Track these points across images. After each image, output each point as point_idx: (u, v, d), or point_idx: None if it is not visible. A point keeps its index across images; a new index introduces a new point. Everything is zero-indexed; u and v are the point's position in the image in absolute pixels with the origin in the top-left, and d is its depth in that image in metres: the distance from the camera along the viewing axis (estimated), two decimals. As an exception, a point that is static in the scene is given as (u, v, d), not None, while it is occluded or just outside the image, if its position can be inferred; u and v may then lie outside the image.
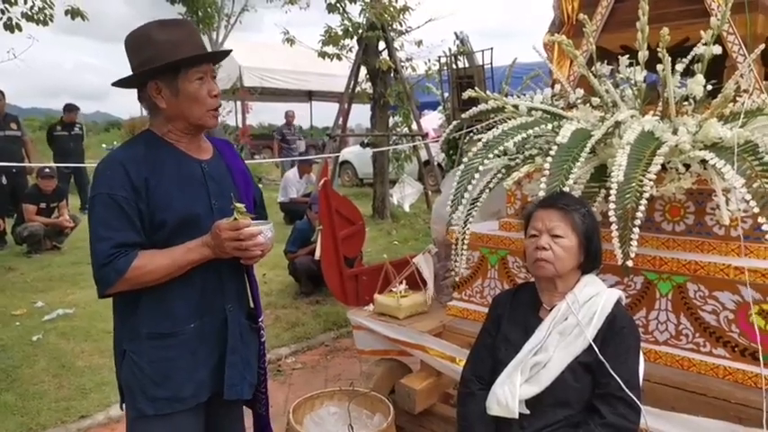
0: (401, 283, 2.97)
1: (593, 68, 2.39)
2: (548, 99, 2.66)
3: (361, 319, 2.91)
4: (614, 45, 2.71)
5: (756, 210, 1.68)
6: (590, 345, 1.64)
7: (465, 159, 2.24)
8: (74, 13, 6.24)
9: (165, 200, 1.59)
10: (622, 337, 1.67)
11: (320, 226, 3.69)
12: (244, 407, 1.98)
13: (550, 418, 1.69)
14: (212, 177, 1.71)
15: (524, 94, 3.49)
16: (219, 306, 1.72)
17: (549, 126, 2.18)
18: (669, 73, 2.08)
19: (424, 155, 8.93)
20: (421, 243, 6.61)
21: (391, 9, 7.99)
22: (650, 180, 1.80)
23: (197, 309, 1.67)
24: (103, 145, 15.36)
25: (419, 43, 8.72)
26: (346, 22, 8.19)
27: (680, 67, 2.14)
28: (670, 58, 2.07)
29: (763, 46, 2.13)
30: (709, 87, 2.11)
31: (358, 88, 8.49)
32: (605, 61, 2.51)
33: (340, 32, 8.21)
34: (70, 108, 8.91)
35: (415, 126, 8.67)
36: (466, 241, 2.33)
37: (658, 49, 2.06)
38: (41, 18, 6.03)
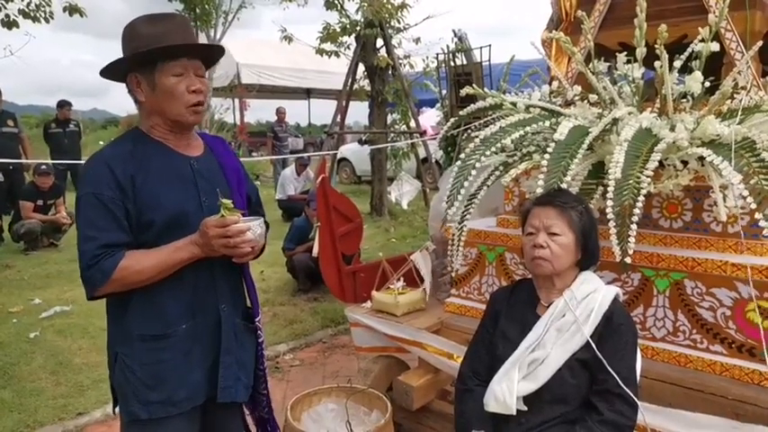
0: (399, 280, 2.97)
1: (590, 65, 2.38)
2: (545, 96, 2.66)
3: (358, 316, 2.91)
4: (612, 42, 2.71)
5: (754, 206, 1.68)
6: (587, 341, 1.65)
7: (462, 156, 2.24)
8: (72, 9, 6.22)
9: (153, 198, 1.56)
10: (620, 333, 1.67)
11: (318, 223, 3.69)
12: (245, 409, 1.95)
13: (548, 414, 1.69)
14: (202, 174, 1.66)
15: (522, 92, 3.49)
16: (213, 306, 1.68)
17: (547, 123, 2.18)
18: (667, 70, 2.08)
19: (422, 152, 8.93)
20: (419, 240, 6.61)
21: (389, 6, 7.98)
22: (648, 177, 1.80)
23: (189, 309, 1.63)
24: (101, 142, 15.31)
25: (417, 40, 8.72)
26: (344, 19, 8.18)
27: (678, 64, 2.14)
28: (668, 55, 2.07)
29: (760, 43, 2.13)
30: (707, 84, 2.11)
31: (356, 85, 8.48)
32: (603, 58, 2.51)
33: (338, 29, 8.20)
34: (62, 104, 8.87)
35: (413, 123, 8.67)
36: (462, 238, 2.33)
37: (656, 46, 2.06)
38: (39, 15, 6.00)
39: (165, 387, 1.60)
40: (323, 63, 9.74)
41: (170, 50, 1.55)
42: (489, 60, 6.59)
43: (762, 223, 1.67)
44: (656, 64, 2.11)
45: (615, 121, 2.09)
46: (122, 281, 1.52)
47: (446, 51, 7.00)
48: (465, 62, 6.87)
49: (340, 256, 3.71)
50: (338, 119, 8.47)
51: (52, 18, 6.12)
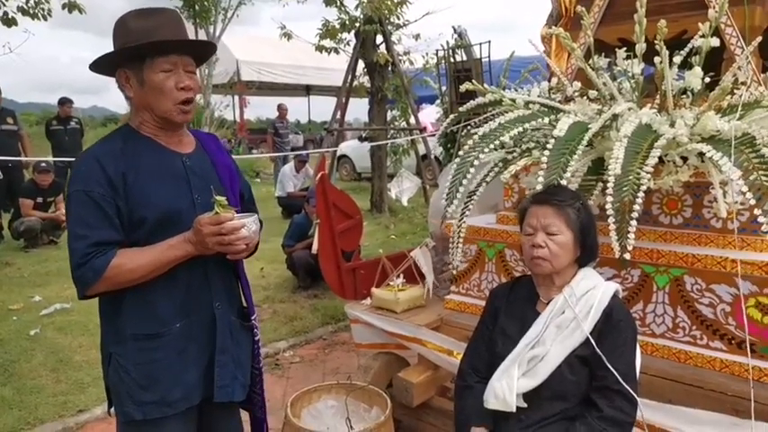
0: (398, 276, 2.97)
1: (590, 61, 2.38)
2: (545, 92, 2.65)
3: (358, 313, 2.91)
4: (612, 38, 2.70)
5: (753, 202, 1.68)
6: (587, 338, 1.65)
7: (461, 153, 2.24)
8: (71, 6, 6.20)
9: (145, 196, 1.54)
10: (619, 330, 1.67)
11: (318, 220, 3.69)
12: (240, 409, 1.92)
13: (547, 410, 1.69)
14: (194, 172, 1.65)
15: (522, 88, 3.48)
16: (207, 304, 1.66)
17: (547, 119, 2.17)
18: (667, 66, 2.08)
19: (422, 149, 8.92)
20: (419, 237, 6.61)
21: (388, 2, 7.96)
22: (647, 173, 1.80)
23: (183, 307, 1.61)
24: (101, 139, 15.28)
25: (417, 37, 8.71)
26: (343, 15, 8.16)
27: (678, 59, 2.13)
28: (668, 51, 2.06)
29: (760, 38, 2.13)
30: (707, 80, 2.10)
31: (356, 82, 8.46)
32: (603, 54, 2.50)
33: (337, 26, 8.18)
34: (63, 101, 8.87)
35: (412, 120, 8.66)
36: (461, 235, 2.33)
37: (656, 42, 2.05)
38: (38, 13, 5.99)
39: (158, 387, 1.58)
40: (322, 60, 9.71)
41: (159, 46, 1.53)
42: (489, 57, 6.57)
43: (761, 219, 1.67)
44: (656, 60, 2.11)
45: (615, 117, 2.08)
46: (114, 279, 1.50)
47: (446, 48, 6.98)
48: (465, 58, 6.85)
49: (340, 252, 3.70)
50: (338, 116, 8.46)
51: (50, 15, 6.10)
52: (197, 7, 10.40)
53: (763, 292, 1.92)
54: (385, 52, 8.02)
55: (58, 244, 7.01)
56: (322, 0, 8.15)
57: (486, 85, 2.49)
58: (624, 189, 1.79)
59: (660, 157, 1.87)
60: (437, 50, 7.46)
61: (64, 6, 6.18)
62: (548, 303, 1.76)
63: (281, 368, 3.84)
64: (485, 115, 2.60)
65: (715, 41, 2.07)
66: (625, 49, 2.35)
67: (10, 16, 5.90)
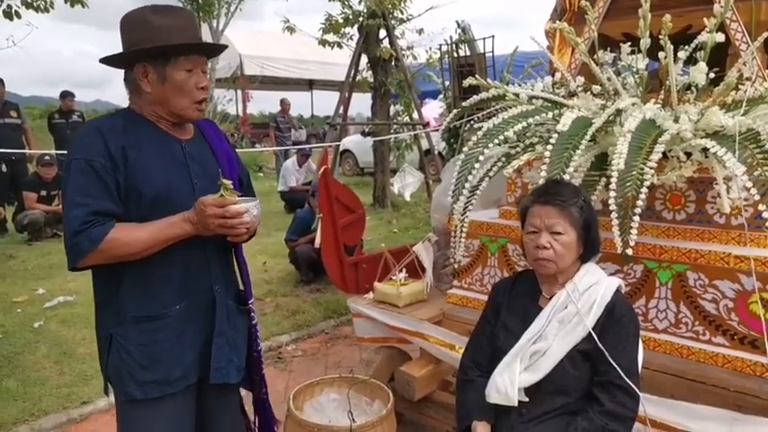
0: (401, 271, 2.97)
1: (594, 56, 2.37)
2: (548, 87, 2.64)
3: (360, 307, 2.91)
4: (616, 32, 2.69)
5: (757, 198, 1.67)
6: (589, 333, 1.65)
7: (465, 148, 2.24)
8: (74, 0, 6.19)
9: (144, 174, 1.55)
10: (622, 325, 1.67)
11: (320, 214, 3.70)
12: (243, 390, 1.96)
13: (549, 405, 1.70)
14: (193, 157, 1.67)
15: (526, 83, 3.47)
16: (207, 287, 1.68)
17: (550, 114, 2.17)
18: (671, 61, 2.07)
19: (425, 144, 8.91)
20: (421, 232, 6.61)
21: (392, -3, 7.93)
22: (651, 168, 1.80)
23: (182, 289, 1.63)
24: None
25: (420, 31, 8.67)
26: (347, 9, 8.14)
27: (682, 54, 2.13)
28: (672, 46, 2.06)
29: (766, 33, 2.12)
30: (712, 75, 2.09)
31: (359, 77, 8.45)
32: (607, 49, 2.49)
33: (341, 20, 8.16)
34: (64, 95, 8.87)
35: (416, 115, 8.64)
36: (465, 229, 2.33)
37: (660, 37, 2.05)
38: (41, 6, 5.98)
39: (159, 367, 1.61)
40: (325, 54, 9.72)
41: (188, 46, 1.58)
42: (492, 51, 6.56)
43: (765, 215, 1.67)
44: (661, 55, 2.10)
45: (618, 113, 2.08)
46: (109, 252, 1.49)
47: (449, 42, 6.97)
48: (468, 53, 6.84)
49: (342, 247, 3.71)
50: (341, 110, 8.45)
51: (52, 8, 6.08)
52: (200, 1, 10.39)
53: (767, 288, 1.92)
54: (388, 47, 8.00)
55: (61, 237, 7.00)
56: (325, -6, 8.14)
57: (489, 80, 2.49)
58: (627, 184, 1.79)
59: (664, 153, 1.87)
60: (440, 45, 7.45)
61: (66, 0, 6.16)
62: (550, 298, 1.76)
63: (284, 361, 3.85)
64: (488, 110, 2.60)
65: (720, 37, 2.06)
66: (629, 44, 2.34)
67: (13, 9, 5.89)
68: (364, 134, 12.17)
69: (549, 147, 1.94)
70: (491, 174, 2.31)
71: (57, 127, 8.78)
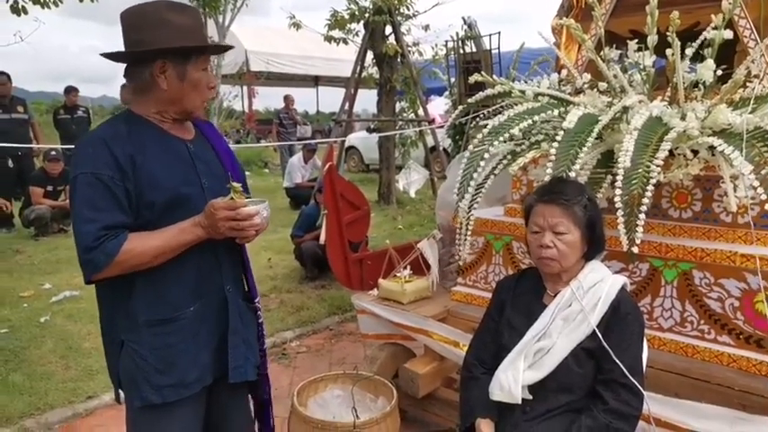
0: (405, 268, 2.97)
1: (601, 53, 2.36)
2: (554, 84, 2.63)
3: (365, 304, 2.92)
4: (623, 29, 2.67)
5: (764, 197, 1.66)
6: (594, 331, 1.64)
7: (471, 146, 2.23)
8: (83, -6, 6.18)
9: (153, 178, 1.54)
10: (626, 323, 1.67)
11: (325, 210, 3.70)
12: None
13: (553, 403, 1.69)
14: (198, 157, 1.67)
15: (532, 80, 3.46)
16: (218, 287, 1.68)
17: (556, 112, 2.16)
18: (678, 58, 2.06)
19: (430, 141, 8.90)
20: (426, 229, 6.60)
21: (398, -8, 7.91)
22: (657, 166, 1.78)
23: (195, 291, 1.63)
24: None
25: (426, 28, 8.65)
26: (353, 5, 8.12)
27: (690, 51, 2.11)
28: (680, 43, 2.04)
29: (775, 30, 2.10)
30: (719, 72, 2.08)
31: (364, 73, 8.43)
32: (614, 46, 2.48)
33: (346, 16, 8.14)
34: (68, 90, 8.89)
35: (421, 111, 8.62)
36: (470, 227, 2.33)
37: (668, 34, 2.03)
38: (48, 1, 5.99)
39: (176, 370, 1.60)
40: (331, 50, 9.69)
41: (206, 47, 1.63)
42: (499, 48, 6.51)
43: (772, 214, 1.65)
44: (668, 52, 2.09)
45: (625, 110, 2.07)
46: (125, 263, 1.49)
47: (455, 39, 6.94)
48: (474, 50, 6.80)
49: (347, 243, 3.72)
50: (346, 106, 8.44)
51: (61, 2, 6.09)
52: (207, -3, 10.37)
53: (773, 287, 1.91)
54: (394, 43, 7.98)
55: (67, 232, 7.06)
56: (331, -10, 8.12)
57: (495, 77, 2.48)
58: (633, 182, 1.78)
59: (670, 151, 1.86)
60: (446, 41, 7.41)
61: (76, -6, 6.17)
62: (555, 296, 1.76)
63: (288, 357, 3.86)
64: (494, 107, 2.59)
65: (728, 33, 2.05)
66: (636, 40, 2.33)
67: (20, 5, 5.91)
68: (369, 130, 12.16)
69: (555, 144, 1.94)
70: (496, 171, 2.30)
71: (62, 122, 8.81)
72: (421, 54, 8.90)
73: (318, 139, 13.06)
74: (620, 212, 1.80)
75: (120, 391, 1.69)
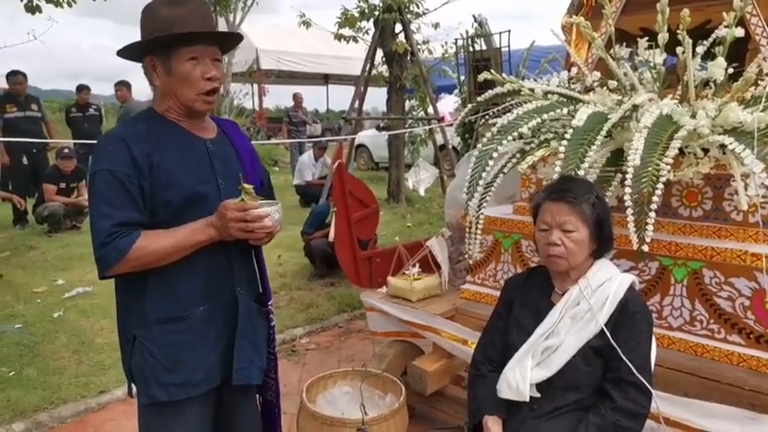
0: (414, 266, 2.98)
1: (611, 51, 2.35)
2: (564, 82, 2.62)
3: (374, 301, 2.93)
4: (633, 27, 2.66)
5: (775, 196, 1.65)
6: (602, 329, 1.64)
7: (479, 145, 2.23)
8: (94, -7, 6.23)
9: (170, 177, 1.55)
10: (635, 321, 1.67)
11: (334, 208, 3.71)
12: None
13: (560, 401, 1.70)
14: (217, 157, 1.66)
15: (542, 78, 3.45)
16: (229, 288, 1.68)
17: (565, 110, 2.15)
18: (689, 56, 2.05)
19: (439, 139, 8.89)
20: (435, 227, 6.60)
21: (408, -10, 7.90)
22: (667, 164, 1.78)
23: (205, 291, 1.64)
24: (122, 126, 15.39)
25: (436, 26, 8.64)
26: (363, 3, 8.12)
27: (701, 49, 2.10)
28: (691, 41, 2.03)
29: (787, 28, 2.08)
30: (731, 71, 2.07)
31: (374, 71, 8.43)
32: (624, 43, 2.47)
33: (356, 14, 8.15)
34: (80, 88, 8.98)
35: (431, 110, 8.62)
36: (480, 225, 2.33)
37: (679, 32, 2.02)
38: (61, 1, 6.04)
39: (183, 369, 1.61)
40: (341, 48, 9.68)
41: (187, 36, 1.54)
42: (509, 46, 6.49)
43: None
44: (679, 50, 2.08)
45: (635, 108, 2.06)
46: (137, 261, 1.51)
47: (465, 37, 6.92)
48: (484, 48, 6.78)
49: (356, 241, 3.72)
50: (356, 105, 8.45)
51: (75, 2, 6.15)
52: (218, -5, 10.41)
53: (784, 287, 1.90)
54: (404, 41, 7.98)
55: (80, 229, 7.13)
56: (341, -12, 8.12)
57: (504, 75, 2.48)
58: (643, 180, 1.78)
59: (681, 149, 1.85)
60: (456, 39, 7.39)
61: (88, -7, 6.22)
62: (563, 294, 1.76)
63: (298, 354, 3.88)
64: (503, 105, 2.59)
65: (740, 31, 2.03)
66: (647, 38, 2.32)
67: (34, 3, 5.97)
68: (379, 128, 12.16)
69: (564, 142, 1.94)
70: (505, 170, 2.30)
71: (74, 120, 8.89)
72: (431, 52, 8.89)
73: (328, 136, 13.10)
74: (629, 211, 1.80)
75: (134, 386, 1.71)
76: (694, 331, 2.08)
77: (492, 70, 2.51)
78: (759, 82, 2.05)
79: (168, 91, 1.60)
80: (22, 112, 7.28)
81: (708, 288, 2.05)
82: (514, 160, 2.29)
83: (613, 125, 1.98)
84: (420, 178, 8.53)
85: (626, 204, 1.80)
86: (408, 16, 8.10)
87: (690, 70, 2.06)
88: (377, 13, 7.94)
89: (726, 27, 2.04)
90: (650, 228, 1.79)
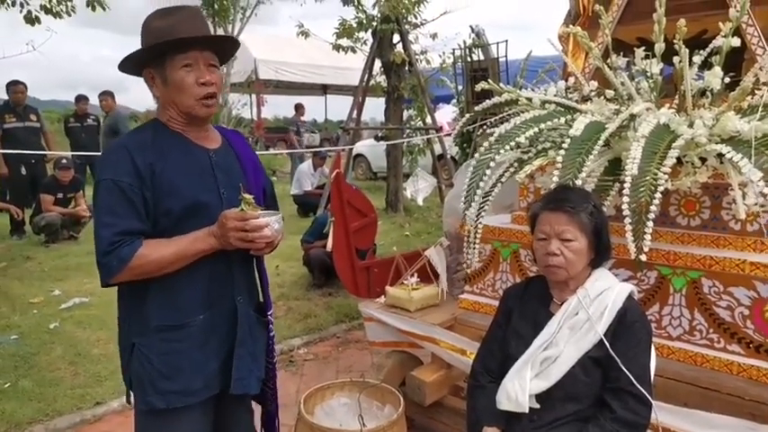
0: (413, 275, 2.97)
1: (608, 60, 2.36)
2: (561, 92, 2.63)
3: (372, 311, 2.92)
4: (630, 37, 2.67)
5: (773, 204, 1.65)
6: (601, 339, 1.63)
7: (477, 154, 2.23)
8: (94, 3, 6.25)
9: (172, 187, 1.56)
10: (633, 331, 1.66)
11: (332, 218, 3.71)
12: (253, 402, 1.95)
13: (560, 412, 1.68)
14: (220, 167, 1.67)
15: (539, 88, 3.46)
16: (229, 297, 1.69)
17: (563, 119, 2.16)
18: (686, 65, 2.05)
19: (437, 148, 8.91)
20: (434, 236, 6.59)
21: (406, 1, 7.94)
22: (665, 174, 1.78)
23: (206, 300, 1.64)
24: (121, 137, 15.43)
25: (434, 36, 8.68)
26: (361, 14, 8.17)
27: (697, 59, 2.11)
28: (687, 51, 2.04)
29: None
30: (727, 80, 2.07)
31: (372, 81, 8.47)
32: (621, 53, 2.48)
33: (354, 25, 8.19)
34: (79, 99, 8.99)
35: (429, 119, 8.64)
36: (478, 235, 2.32)
37: (675, 42, 2.03)
38: (61, 10, 6.06)
39: (182, 377, 1.61)
40: (339, 59, 9.73)
41: (177, 43, 1.55)
42: (506, 56, 6.53)
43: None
44: (675, 59, 2.08)
45: (632, 117, 2.06)
46: (139, 269, 1.52)
47: (462, 47, 6.96)
48: (481, 58, 6.81)
49: (354, 251, 3.72)
50: (354, 115, 8.47)
51: (74, 12, 6.17)
52: (216, 6, 10.48)
53: (783, 296, 1.89)
54: (402, 51, 8.02)
55: (77, 239, 7.12)
56: (340, -1, 8.17)
57: (502, 85, 2.49)
58: (641, 190, 1.78)
59: (678, 158, 1.85)
60: (454, 50, 7.43)
61: (88, 4, 6.24)
62: (561, 304, 1.75)
63: (296, 365, 3.86)
64: (501, 115, 2.59)
65: (736, 41, 2.04)
66: (644, 48, 2.32)
67: (33, 15, 5.99)
68: (377, 138, 12.19)
69: (562, 152, 1.94)
70: (503, 179, 2.30)
71: (72, 131, 8.89)
72: (428, 62, 8.94)
73: (327, 146, 13.14)
74: (627, 220, 1.80)
75: (132, 393, 1.71)
76: (694, 341, 2.08)
77: (489, 80, 2.52)
78: (756, 91, 2.05)
79: (168, 100, 1.62)
80: (21, 123, 7.29)
81: (707, 297, 2.04)
82: (512, 170, 2.29)
83: (611, 134, 1.98)
84: (418, 188, 8.52)
85: (624, 213, 1.80)
86: (406, 27, 8.15)
87: (687, 80, 2.06)
88: (375, 23, 8.00)
89: (722, 37, 2.05)
90: (648, 237, 1.78)
